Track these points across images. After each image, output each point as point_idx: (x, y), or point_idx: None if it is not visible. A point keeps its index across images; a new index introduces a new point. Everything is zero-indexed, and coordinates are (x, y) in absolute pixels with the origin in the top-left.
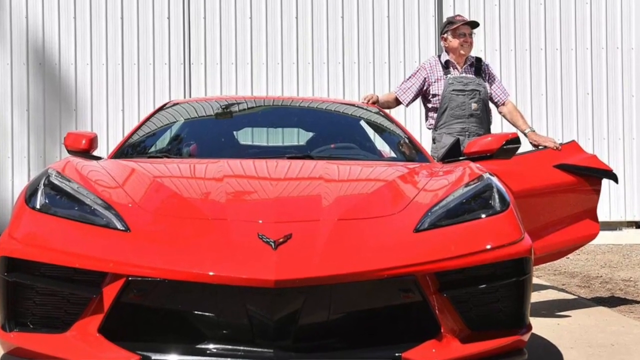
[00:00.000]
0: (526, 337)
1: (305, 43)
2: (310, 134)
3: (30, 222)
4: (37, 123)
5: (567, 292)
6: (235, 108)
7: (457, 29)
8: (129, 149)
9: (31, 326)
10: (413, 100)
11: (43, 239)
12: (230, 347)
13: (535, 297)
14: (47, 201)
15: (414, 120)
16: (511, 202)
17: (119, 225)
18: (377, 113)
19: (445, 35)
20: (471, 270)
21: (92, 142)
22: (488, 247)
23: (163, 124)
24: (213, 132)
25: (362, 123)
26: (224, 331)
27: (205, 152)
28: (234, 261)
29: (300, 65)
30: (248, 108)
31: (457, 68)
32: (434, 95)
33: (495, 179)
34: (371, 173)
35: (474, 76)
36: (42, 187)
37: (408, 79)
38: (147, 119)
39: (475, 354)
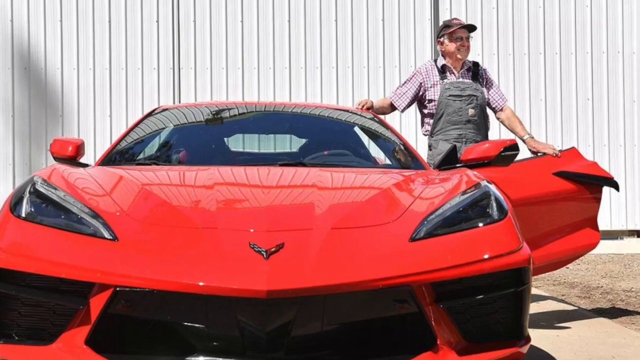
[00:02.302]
0: (525, 349)
1: (298, 47)
2: (303, 141)
3: (16, 231)
4: (23, 129)
5: (566, 302)
6: (226, 114)
7: (453, 33)
8: (116, 156)
9: (16, 338)
10: (409, 105)
11: (28, 248)
12: (220, 359)
13: (534, 308)
14: (32, 209)
15: (409, 127)
16: (509, 211)
17: (106, 234)
18: (371, 119)
19: (441, 39)
20: (468, 280)
21: (79, 148)
22: (485, 256)
23: (152, 130)
24: (203, 138)
25: (356, 129)
26: (215, 343)
27: (195, 159)
28: (225, 271)
29: (292, 69)
30: (239, 114)
31: (453, 73)
32: (430, 101)
33: (493, 187)
34: (365, 181)
35: (471, 81)
36: (28, 195)
37: (403, 84)
38: (136, 125)
39: None
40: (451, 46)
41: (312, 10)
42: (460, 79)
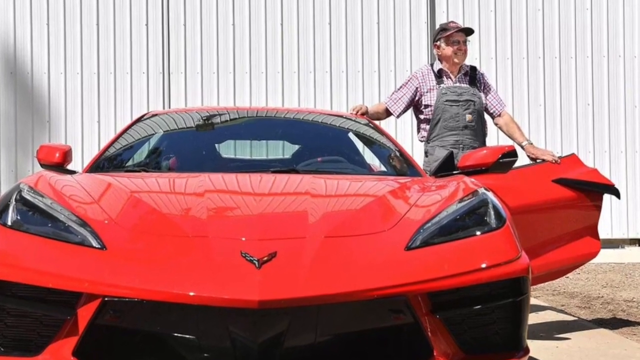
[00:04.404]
0: None
1: (291, 51)
2: (296, 147)
3: (1, 239)
4: (9, 135)
5: (566, 313)
6: (217, 119)
7: (450, 36)
8: (105, 163)
9: (2, 349)
10: (404, 111)
11: (14, 257)
12: None
13: (533, 318)
14: (18, 217)
15: (405, 133)
16: (507, 219)
17: (94, 243)
18: (366, 125)
19: (438, 43)
20: (465, 290)
21: (66, 155)
22: (483, 265)
23: (141, 136)
24: (193, 144)
25: (351, 135)
26: (205, 354)
27: (185, 165)
28: (216, 281)
29: (285, 74)
30: (230, 119)
31: (450, 77)
32: (426, 106)
33: (490, 194)
34: (360, 188)
35: (468, 86)
36: (14, 202)
37: (399, 89)
38: (125, 130)
39: None
40: (448, 50)
41: (306, 13)
42: (458, 84)
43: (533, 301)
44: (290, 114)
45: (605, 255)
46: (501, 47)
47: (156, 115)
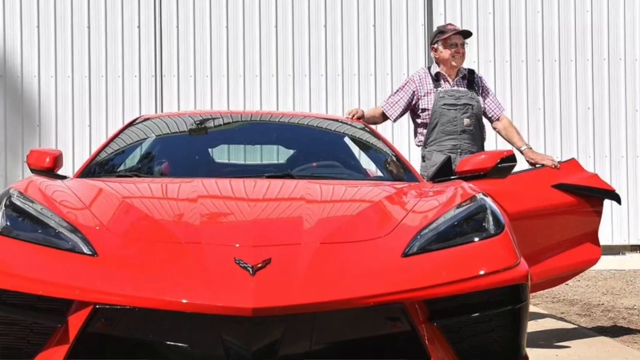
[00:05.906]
0: None
1: (286, 54)
2: (291, 152)
3: None
4: None
5: (566, 321)
6: (210, 124)
7: (448, 39)
8: (96, 168)
9: None
10: (401, 115)
11: (4, 264)
12: None
13: (532, 326)
14: (8, 223)
15: (402, 137)
16: (506, 225)
17: (85, 250)
18: (362, 129)
19: (435, 46)
20: (463, 297)
21: (57, 160)
22: (481, 272)
23: (133, 140)
24: (186, 149)
25: (347, 140)
26: None
27: (178, 170)
28: (209, 288)
29: (280, 77)
30: (224, 124)
31: (448, 81)
32: (424, 110)
33: (489, 200)
34: (356, 193)
35: (466, 89)
36: (3, 208)
37: (395, 93)
38: (116, 135)
39: None
40: (445, 53)
41: (301, 15)
42: (455, 87)
43: (532, 309)
44: (285, 118)
45: (606, 262)
46: (500, 50)
47: (148, 119)
